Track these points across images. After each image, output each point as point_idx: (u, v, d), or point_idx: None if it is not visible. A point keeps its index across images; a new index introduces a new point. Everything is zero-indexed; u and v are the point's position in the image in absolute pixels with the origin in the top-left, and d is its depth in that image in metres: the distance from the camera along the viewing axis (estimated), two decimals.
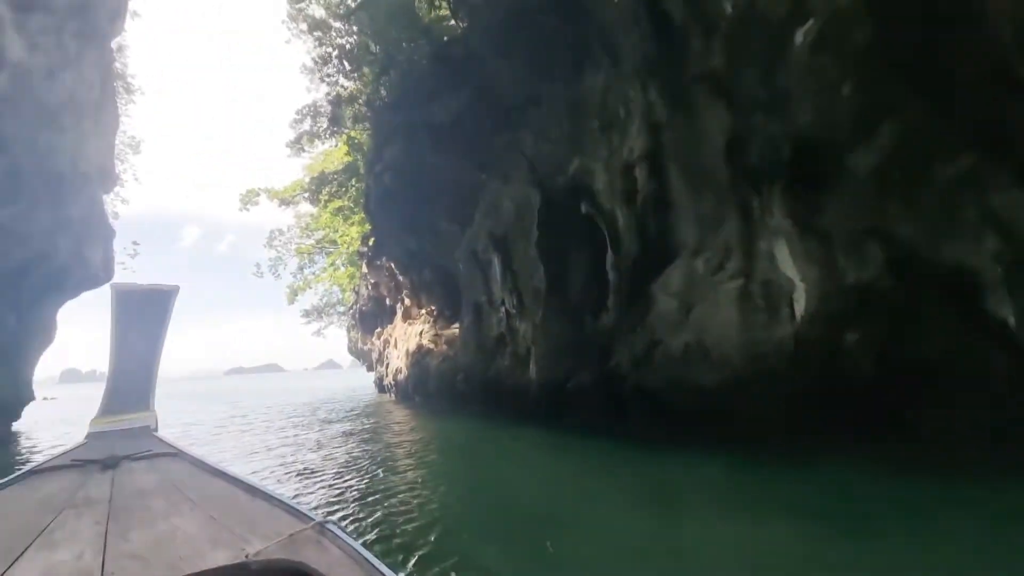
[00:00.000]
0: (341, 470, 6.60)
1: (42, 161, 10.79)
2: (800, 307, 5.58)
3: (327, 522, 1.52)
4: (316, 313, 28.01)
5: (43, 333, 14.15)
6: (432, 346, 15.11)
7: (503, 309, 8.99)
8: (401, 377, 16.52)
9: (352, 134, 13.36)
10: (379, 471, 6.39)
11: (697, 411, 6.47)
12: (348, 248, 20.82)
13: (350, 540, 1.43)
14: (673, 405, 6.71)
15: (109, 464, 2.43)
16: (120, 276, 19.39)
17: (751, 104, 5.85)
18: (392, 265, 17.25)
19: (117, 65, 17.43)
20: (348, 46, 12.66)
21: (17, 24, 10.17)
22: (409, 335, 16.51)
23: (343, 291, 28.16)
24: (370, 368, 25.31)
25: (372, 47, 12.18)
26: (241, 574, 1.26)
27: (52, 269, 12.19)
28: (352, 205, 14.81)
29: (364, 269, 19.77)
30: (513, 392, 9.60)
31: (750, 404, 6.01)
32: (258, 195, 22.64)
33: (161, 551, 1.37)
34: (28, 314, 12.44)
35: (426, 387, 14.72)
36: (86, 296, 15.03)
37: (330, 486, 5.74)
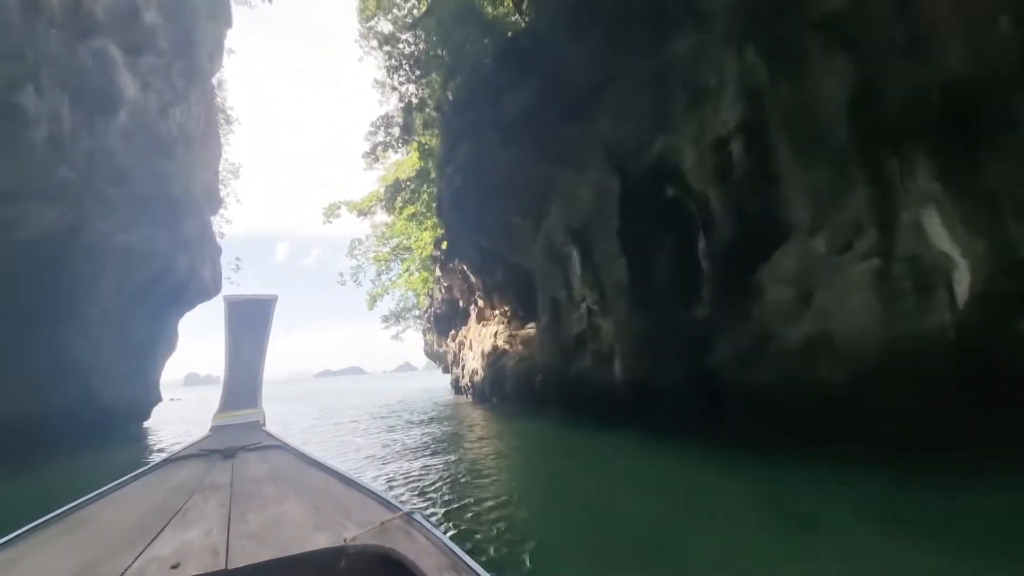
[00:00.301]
0: (426, 473, 6.52)
1: (159, 188, 12.10)
2: (962, 288, 4.56)
3: (413, 513, 1.61)
4: (394, 318, 29.23)
5: (167, 342, 15.93)
6: (507, 347, 14.95)
7: (584, 305, 8.51)
8: (477, 379, 16.56)
9: (423, 140, 13.64)
10: (463, 477, 6.20)
11: (816, 412, 5.58)
12: (422, 253, 21.40)
13: (435, 530, 1.51)
14: (785, 405, 5.86)
15: (228, 454, 2.74)
16: (227, 289, 21.46)
17: (883, 50, 4.91)
18: (464, 267, 17.38)
19: (218, 99, 19.34)
20: (416, 54, 12.93)
21: (130, 65, 11.47)
22: (484, 336, 16.51)
23: (417, 296, 29.15)
24: (446, 370, 25.87)
25: (439, 52, 12.31)
26: (340, 556, 1.36)
27: (172, 284, 13.65)
28: (424, 210, 15.14)
29: (437, 273, 20.19)
30: (596, 393, 9.09)
31: (891, 405, 5.05)
32: (339, 208, 24.07)
33: (273, 532, 1.51)
34: (154, 325, 14.03)
35: (503, 388, 14.58)
36: (200, 308, 16.76)
37: (419, 493, 5.64)
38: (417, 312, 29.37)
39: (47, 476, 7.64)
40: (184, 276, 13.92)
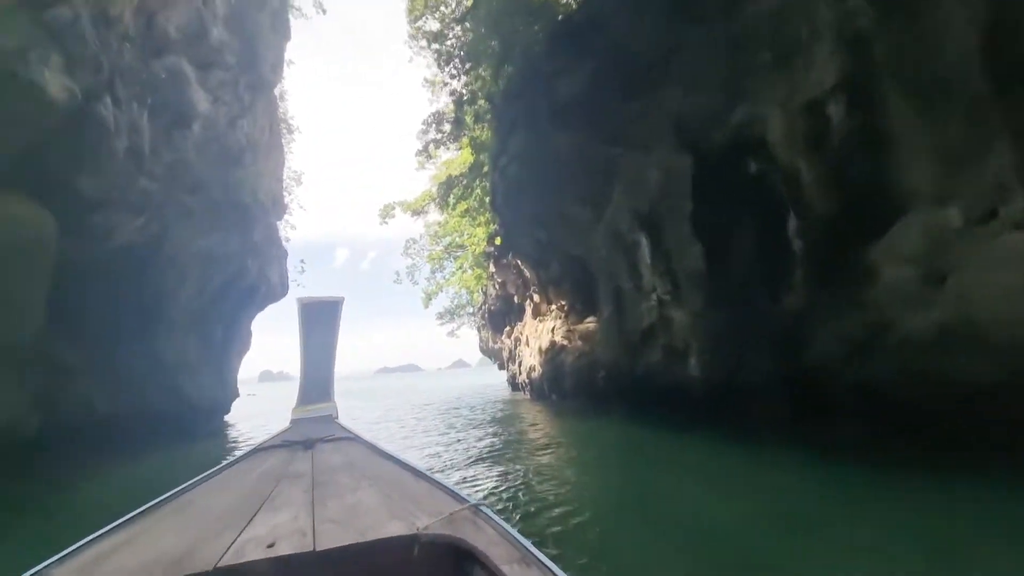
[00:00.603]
0: (492, 475, 6.22)
1: (231, 196, 12.73)
2: None
3: (481, 504, 1.64)
4: (448, 315, 29.56)
5: (242, 341, 16.88)
6: (565, 342, 14.47)
7: (654, 296, 7.88)
8: (535, 375, 16.20)
9: (474, 134, 13.47)
10: (530, 479, 5.83)
11: (950, 413, 4.68)
12: (475, 250, 21.34)
13: (503, 522, 1.54)
14: (908, 404, 4.98)
15: (308, 445, 2.90)
16: (293, 291, 22.55)
17: None
18: (519, 262, 17.07)
19: (280, 110, 20.28)
20: (465, 47, 12.75)
21: (200, 80, 12.08)
22: (540, 332, 16.12)
23: (471, 293, 29.30)
24: (501, 367, 25.77)
25: (488, 43, 12.03)
26: (413, 544, 1.42)
27: (244, 287, 14.38)
28: (478, 205, 14.96)
29: (491, 269, 20.04)
30: (666, 391, 8.42)
31: None
32: (393, 209, 24.59)
33: (352, 518, 1.60)
34: (230, 326, 14.87)
35: (562, 385, 14.13)
36: (271, 309, 17.65)
37: (486, 497, 5.34)
38: (471, 309, 29.52)
39: (150, 465, 8.19)
40: (255, 279, 14.63)
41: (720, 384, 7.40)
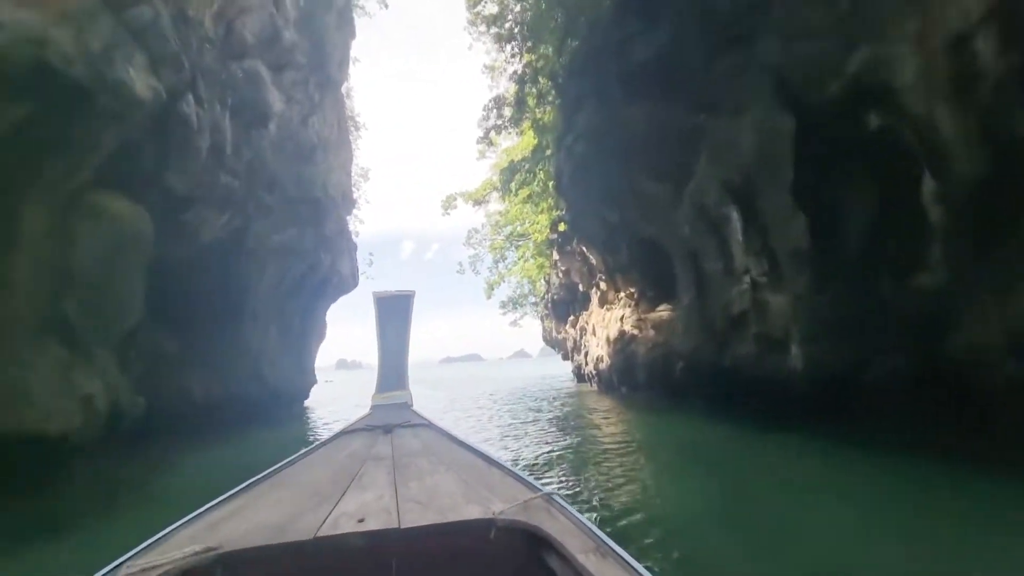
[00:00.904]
0: (565, 474, 5.81)
1: (304, 192, 13.23)
2: None
3: (553, 494, 1.67)
4: (511, 304, 29.45)
5: (318, 330, 17.74)
6: (636, 332, 13.67)
7: (746, 279, 7.00)
8: (603, 366, 15.55)
9: (537, 117, 12.96)
10: (609, 481, 5.34)
11: None
12: (537, 238, 20.91)
13: (575, 511, 1.54)
14: None
15: (387, 430, 3.07)
16: (363, 284, 23.48)
17: None
18: (584, 249, 16.41)
19: (347, 107, 20.97)
20: (526, 24, 12.24)
21: (275, 81, 12.57)
22: (608, 321, 15.41)
23: (532, 282, 28.95)
24: (565, 357, 25.26)
25: (551, 17, 11.42)
26: (489, 527, 1.46)
27: (318, 279, 15.02)
28: (540, 190, 14.44)
29: (554, 257, 19.53)
30: (758, 385, 7.52)
31: None
32: (455, 200, 24.77)
33: (432, 499, 1.68)
34: (306, 316, 15.63)
35: (633, 377, 13.38)
36: (345, 301, 18.45)
37: (564, 495, 4.93)
38: (534, 299, 29.21)
39: (242, 447, 8.73)
40: (327, 271, 15.23)
41: (828, 377, 6.42)
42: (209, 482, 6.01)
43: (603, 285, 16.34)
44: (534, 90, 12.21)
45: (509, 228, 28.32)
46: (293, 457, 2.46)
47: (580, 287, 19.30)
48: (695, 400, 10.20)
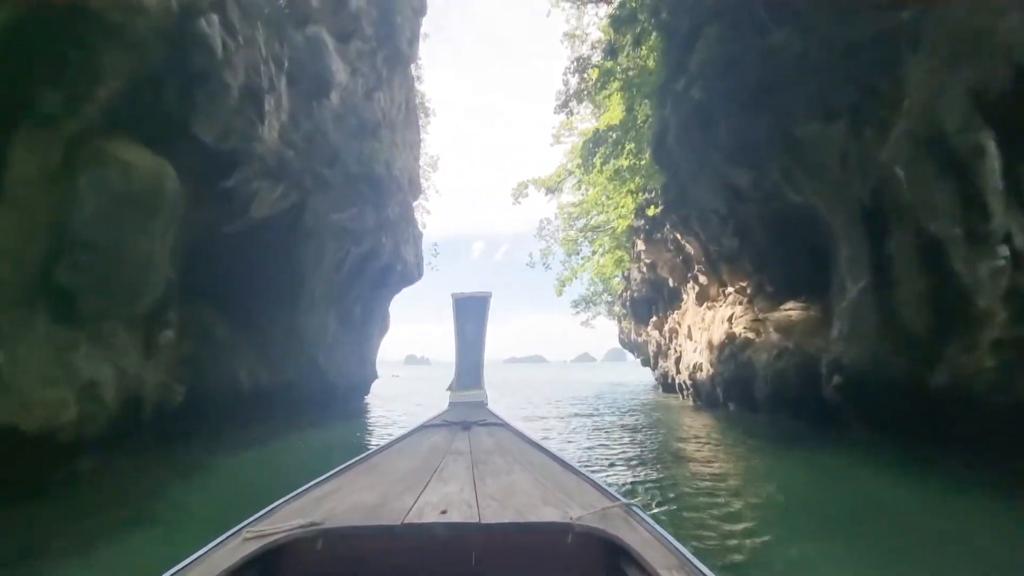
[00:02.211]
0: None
1: (365, 169, 12.09)
2: None
3: (632, 504, 1.63)
4: (584, 303, 27.18)
5: (381, 322, 16.76)
6: (751, 335, 10.99)
7: (1003, 251, 4.36)
8: (702, 376, 12.94)
9: (628, 77, 10.77)
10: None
11: None
12: (619, 226, 18.58)
13: (657, 525, 1.48)
14: None
15: (465, 426, 3.25)
16: (429, 276, 22.51)
17: None
18: (679, 235, 13.88)
19: (416, 90, 20.00)
20: None
21: (340, 51, 11.53)
22: (710, 322, 12.79)
23: (605, 280, 26.45)
24: (646, 362, 22.54)
25: None
26: (567, 532, 1.45)
27: (380, 265, 13.90)
28: (629, 166, 12.15)
29: (638, 247, 17.06)
30: (994, 418, 4.85)
31: None
32: (527, 187, 23.03)
33: (508, 498, 1.70)
34: (368, 305, 14.60)
35: (747, 391, 10.72)
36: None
37: None
38: (609, 297, 26.71)
39: (289, 450, 7.47)
40: (389, 257, 14.08)
41: None
42: (232, 500, 4.68)
43: (702, 279, 13.70)
44: (629, 35, 10.03)
45: (583, 221, 26.12)
46: (381, 445, 2.71)
47: (669, 282, 16.68)
48: (855, 430, 7.48)
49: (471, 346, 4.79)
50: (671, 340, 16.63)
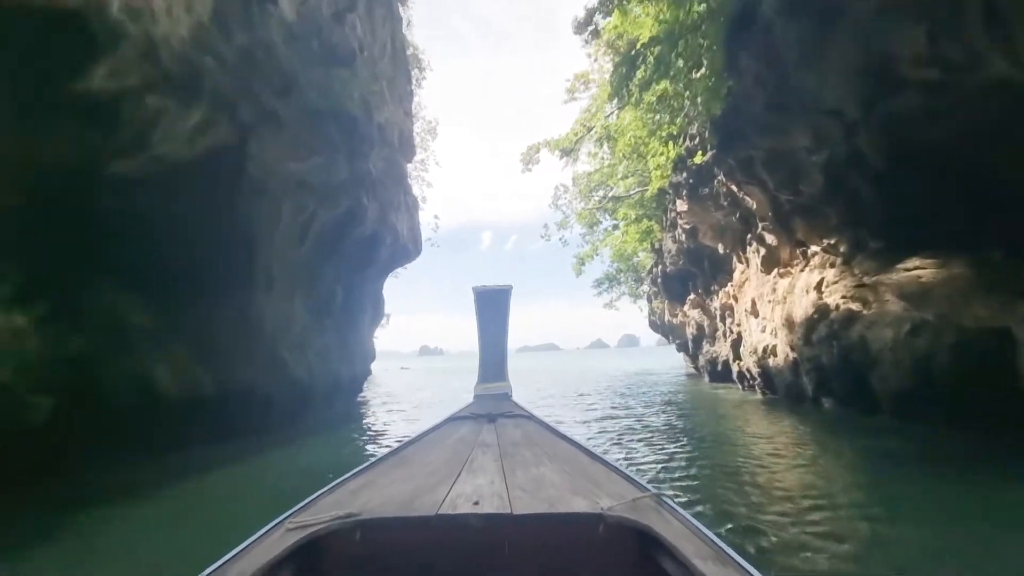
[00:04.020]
0: None
1: (332, 104, 9.28)
2: None
3: (663, 494, 1.63)
4: (607, 283, 24.30)
5: (371, 309, 14.09)
6: (856, 306, 8.11)
7: None
8: (776, 362, 10.10)
9: None
10: None
11: None
12: (651, 186, 15.64)
13: (687, 514, 1.50)
14: None
15: (491, 419, 3.22)
16: (427, 250, 19.79)
17: None
18: (735, 187, 10.96)
19: (406, 36, 17.09)
20: None
21: None
22: (786, 292, 9.90)
23: (626, 259, 23.54)
24: (683, 347, 19.69)
25: None
26: (598, 522, 1.46)
27: (363, 236, 11.19)
28: (678, 91, 9.17)
29: (679, 207, 14.09)
30: None
31: None
32: (538, 151, 20.11)
33: (538, 489, 1.70)
34: (353, 290, 11.93)
35: (857, 383, 7.88)
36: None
37: None
38: (634, 275, 23.79)
39: (186, 511, 4.81)
40: (375, 225, 11.39)
41: None
42: None
43: (770, 239, 10.78)
44: None
45: (601, 193, 23.15)
46: (412, 438, 2.75)
47: (719, 248, 13.76)
48: None
49: (494, 338, 4.80)
50: (723, 319, 13.75)
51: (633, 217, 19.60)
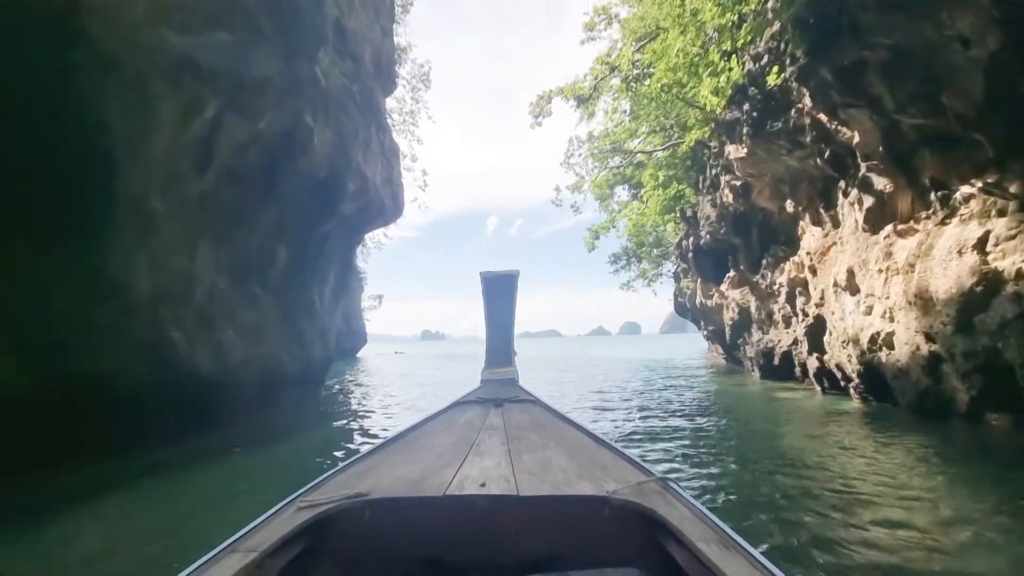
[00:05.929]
0: None
1: None
2: None
3: (667, 478, 1.65)
4: (626, 257, 21.23)
5: (336, 280, 11.11)
6: None
7: None
8: (894, 358, 7.08)
9: None
10: None
11: None
12: (689, 138, 12.55)
13: (691, 498, 1.50)
14: None
15: (498, 403, 3.27)
16: (413, 210, 16.79)
17: None
18: (824, 115, 7.84)
19: None
20: None
21: None
22: (922, 255, 6.82)
23: (649, 232, 20.47)
24: (717, 334, 16.70)
25: None
26: (604, 505, 1.49)
27: (312, 177, 8.14)
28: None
29: (733, 154, 10.92)
30: None
31: None
32: (550, 100, 16.92)
33: (544, 472, 1.75)
34: (305, 250, 8.94)
35: None
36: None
37: None
38: (653, 250, 20.70)
39: None
40: (329, 163, 8.33)
41: None
42: None
43: (880, 184, 7.69)
44: None
45: (617, 160, 19.96)
46: (419, 421, 2.76)
47: (782, 209, 10.67)
48: None
49: (501, 324, 4.80)
50: (791, 298, 10.71)
51: (660, 180, 16.44)
